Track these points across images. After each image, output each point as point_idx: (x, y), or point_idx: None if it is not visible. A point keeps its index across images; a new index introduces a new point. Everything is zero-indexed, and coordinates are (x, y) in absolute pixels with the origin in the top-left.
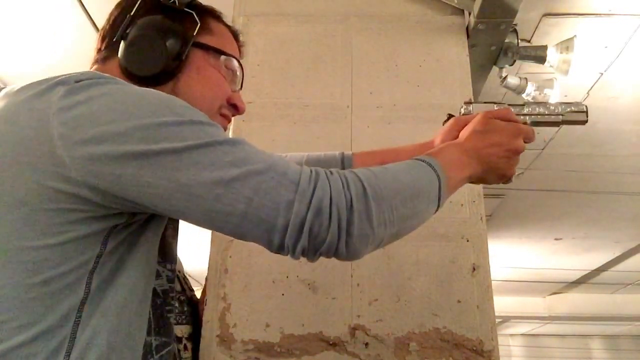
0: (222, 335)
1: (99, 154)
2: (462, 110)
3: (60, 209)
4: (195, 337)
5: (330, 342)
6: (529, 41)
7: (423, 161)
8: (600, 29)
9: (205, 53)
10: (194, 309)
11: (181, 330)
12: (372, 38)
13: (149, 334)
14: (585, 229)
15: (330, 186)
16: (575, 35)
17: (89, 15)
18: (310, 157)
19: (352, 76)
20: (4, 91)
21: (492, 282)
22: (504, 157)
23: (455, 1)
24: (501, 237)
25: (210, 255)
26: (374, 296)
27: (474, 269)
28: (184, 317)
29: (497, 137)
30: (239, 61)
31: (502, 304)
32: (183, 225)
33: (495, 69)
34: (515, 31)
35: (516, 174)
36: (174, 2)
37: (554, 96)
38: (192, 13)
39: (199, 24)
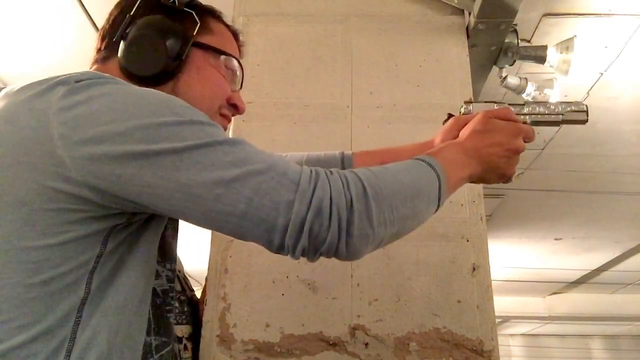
0: (222, 335)
1: (99, 153)
2: (462, 110)
3: (60, 209)
4: (195, 337)
5: (330, 342)
6: (529, 41)
7: (423, 161)
8: (600, 29)
9: (205, 53)
10: (194, 309)
11: (181, 330)
12: (372, 38)
13: (149, 334)
14: (585, 229)
15: (330, 186)
16: (575, 35)
17: (89, 15)
18: (310, 156)
19: (352, 76)
20: (4, 91)
21: (492, 282)
22: (504, 157)
23: (455, 1)
24: (501, 237)
25: (210, 255)
26: (374, 296)
27: (474, 269)
28: (184, 317)
29: (497, 136)
30: (238, 61)
31: (502, 304)
32: (183, 225)
33: (495, 69)
34: (515, 31)
35: (516, 173)
36: (174, 1)
37: (554, 96)
38: (192, 13)
39: (198, 24)
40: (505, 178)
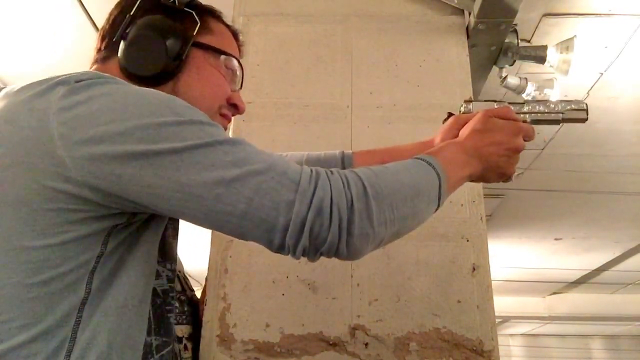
0: (222, 335)
1: (99, 153)
2: (462, 109)
3: (60, 209)
4: (195, 337)
5: (330, 342)
6: (529, 41)
7: (423, 160)
8: (600, 29)
9: (205, 53)
10: (194, 309)
11: (181, 330)
12: (372, 38)
13: (149, 333)
14: (585, 229)
15: (330, 186)
16: (575, 35)
17: (89, 15)
18: (310, 156)
19: (352, 76)
20: (4, 91)
21: (492, 282)
22: (504, 156)
23: (455, 1)
24: (501, 237)
25: (210, 255)
26: (374, 296)
27: (474, 269)
28: (184, 317)
29: (497, 135)
30: (238, 61)
31: (502, 304)
32: (183, 225)
33: (495, 69)
34: (515, 31)
35: (516, 173)
36: (174, 1)
37: (554, 96)
38: (192, 13)
39: (198, 24)
40: (505, 177)
